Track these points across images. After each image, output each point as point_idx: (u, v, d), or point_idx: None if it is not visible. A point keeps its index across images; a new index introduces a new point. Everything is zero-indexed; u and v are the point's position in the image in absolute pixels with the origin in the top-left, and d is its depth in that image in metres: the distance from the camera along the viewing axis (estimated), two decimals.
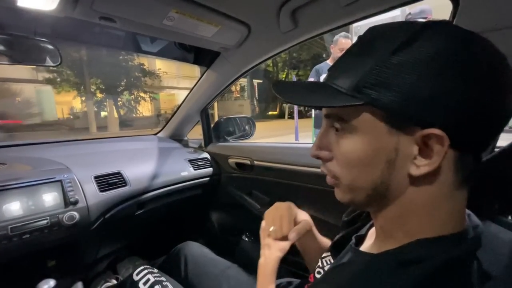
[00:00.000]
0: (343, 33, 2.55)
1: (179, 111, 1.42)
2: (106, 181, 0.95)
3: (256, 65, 0.97)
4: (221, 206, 1.41)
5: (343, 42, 2.47)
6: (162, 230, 1.40)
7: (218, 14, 0.68)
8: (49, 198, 0.81)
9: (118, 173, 1.01)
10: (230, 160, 1.25)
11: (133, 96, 14.97)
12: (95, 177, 0.94)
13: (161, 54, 1.00)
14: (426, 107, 0.28)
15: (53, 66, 0.68)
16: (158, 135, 1.59)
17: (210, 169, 1.31)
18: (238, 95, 21.40)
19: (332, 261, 0.53)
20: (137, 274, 0.85)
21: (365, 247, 0.42)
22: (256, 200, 1.17)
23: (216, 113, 14.84)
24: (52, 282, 0.66)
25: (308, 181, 0.98)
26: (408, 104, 0.28)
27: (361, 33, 0.35)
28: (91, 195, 0.88)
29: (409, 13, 2.00)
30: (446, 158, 0.29)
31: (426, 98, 0.27)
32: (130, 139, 1.44)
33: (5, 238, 0.69)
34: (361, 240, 0.45)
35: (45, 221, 0.76)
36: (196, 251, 0.99)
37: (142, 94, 15.22)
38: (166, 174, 1.14)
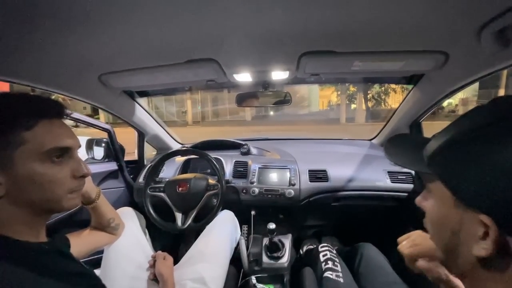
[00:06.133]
0: None
1: (391, 120, 1.47)
2: (315, 175, 1.34)
3: (463, 86, 0.81)
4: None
5: None
6: (354, 224, 1.59)
7: (399, 53, 0.73)
8: (283, 178, 1.35)
9: (324, 170, 1.35)
10: None
11: (383, 88, 14.89)
12: (309, 170, 1.36)
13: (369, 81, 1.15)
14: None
15: (287, 104, 1.15)
16: (373, 141, 1.72)
17: (411, 186, 1.26)
18: None
19: None
20: (321, 247, 1.17)
21: None
22: None
23: None
24: (273, 225, 1.16)
25: None
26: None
27: None
28: (303, 182, 1.32)
29: None
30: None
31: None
32: (345, 143, 1.74)
33: (261, 193, 1.30)
34: None
35: (278, 191, 1.30)
36: (373, 254, 1.10)
37: (392, 86, 14.67)
38: (362, 180, 1.31)
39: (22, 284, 0.40)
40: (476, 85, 11.17)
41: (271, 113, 16.17)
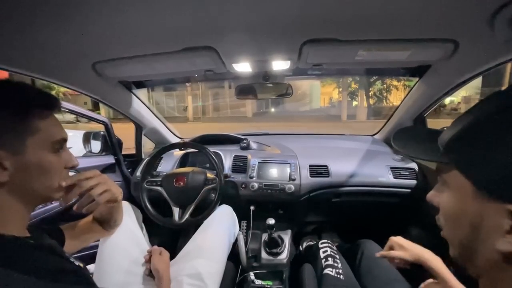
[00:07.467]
0: None
1: (394, 116, 1.44)
2: (315, 170, 1.31)
3: (471, 78, 0.77)
4: (423, 225, 1.28)
5: None
6: (355, 220, 1.57)
7: (406, 42, 0.69)
8: (283, 172, 1.32)
9: (325, 165, 1.33)
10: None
11: (385, 85, 14.76)
12: (310, 165, 1.33)
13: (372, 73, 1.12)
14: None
15: (288, 96, 1.12)
16: (375, 136, 1.69)
17: (414, 182, 1.23)
18: None
19: None
20: (322, 244, 1.14)
21: None
22: None
23: None
24: (273, 221, 1.13)
25: None
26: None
27: None
28: (304, 177, 1.29)
29: None
30: None
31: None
32: (347, 138, 1.71)
33: (261, 188, 1.28)
34: None
35: (278, 186, 1.27)
36: (374, 251, 1.08)
37: (394, 83, 14.57)
38: (364, 175, 1.28)
39: (6, 282, 0.38)
40: (478, 83, 11.07)
41: (272, 109, 16.14)
